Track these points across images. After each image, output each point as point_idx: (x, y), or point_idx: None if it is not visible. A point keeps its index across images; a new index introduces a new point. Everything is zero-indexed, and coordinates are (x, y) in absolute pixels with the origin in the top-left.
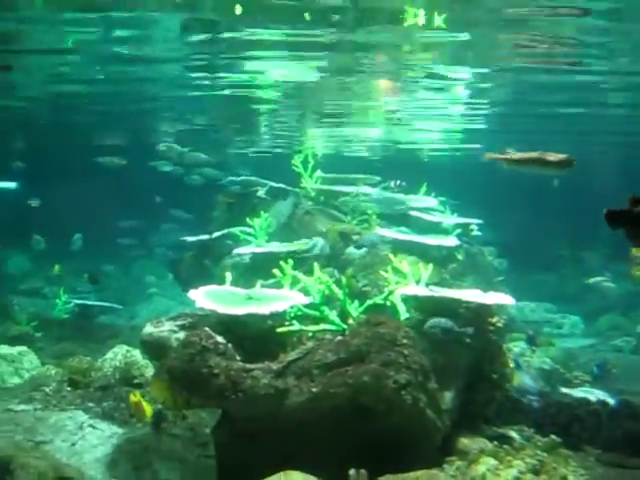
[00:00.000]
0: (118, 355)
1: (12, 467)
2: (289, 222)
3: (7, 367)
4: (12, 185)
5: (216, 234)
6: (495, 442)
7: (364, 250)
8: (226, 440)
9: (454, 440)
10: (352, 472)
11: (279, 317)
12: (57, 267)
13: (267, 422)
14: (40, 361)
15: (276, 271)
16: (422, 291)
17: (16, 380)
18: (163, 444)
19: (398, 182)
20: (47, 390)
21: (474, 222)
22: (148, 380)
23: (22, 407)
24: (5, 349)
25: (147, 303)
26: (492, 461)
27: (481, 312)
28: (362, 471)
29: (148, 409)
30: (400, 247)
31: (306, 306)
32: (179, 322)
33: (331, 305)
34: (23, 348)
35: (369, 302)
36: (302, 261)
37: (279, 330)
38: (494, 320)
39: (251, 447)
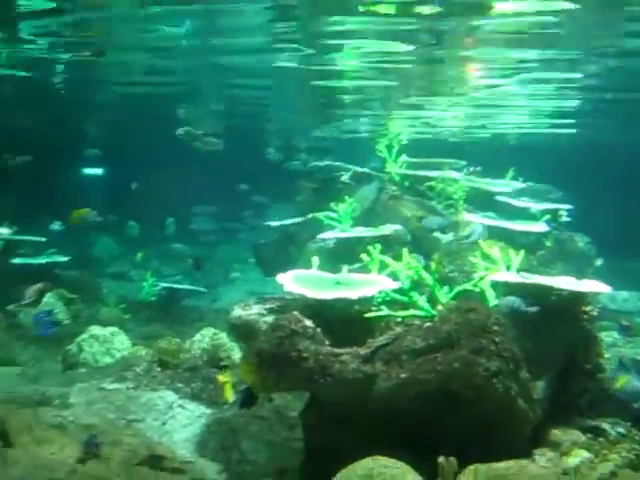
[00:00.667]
0: (206, 337)
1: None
2: (374, 207)
3: (99, 347)
4: (98, 171)
5: (300, 219)
6: (589, 434)
7: (451, 235)
8: (314, 423)
9: (545, 431)
10: (441, 459)
11: (367, 302)
12: (140, 254)
13: (355, 407)
14: (130, 342)
15: (364, 255)
16: (513, 277)
17: (108, 360)
18: (250, 426)
19: (472, 168)
20: (138, 370)
21: (564, 207)
22: (235, 362)
23: (114, 386)
24: (97, 330)
25: (229, 287)
26: (586, 454)
27: (574, 300)
28: (451, 459)
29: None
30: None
31: (395, 291)
32: (267, 305)
33: (420, 290)
34: (114, 329)
35: (459, 288)
36: (388, 246)
37: (367, 315)
38: (588, 309)
39: (339, 431)
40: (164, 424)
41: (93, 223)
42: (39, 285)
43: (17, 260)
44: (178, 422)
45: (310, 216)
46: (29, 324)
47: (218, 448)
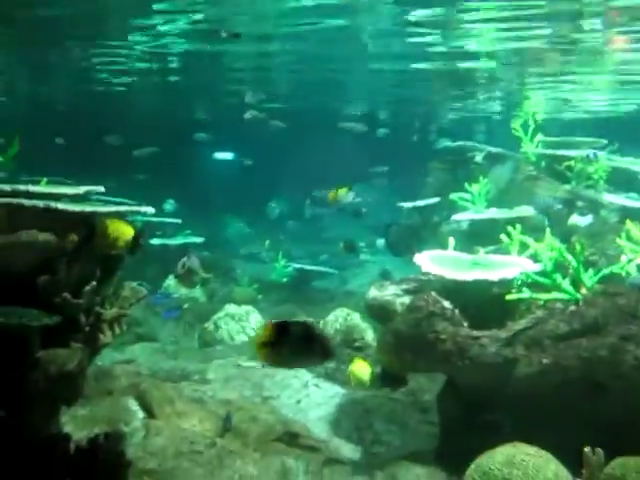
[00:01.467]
0: (339, 318)
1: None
2: (508, 188)
3: (235, 325)
4: (229, 156)
5: (433, 200)
6: None
7: (590, 218)
8: (451, 407)
9: None
10: (587, 450)
11: (507, 284)
12: (267, 242)
13: (494, 391)
14: (264, 321)
15: (503, 236)
16: None
17: (243, 338)
18: (384, 407)
19: (592, 153)
20: None
21: None
22: (368, 343)
23: (250, 363)
24: (233, 308)
25: (358, 269)
26: None
27: None
28: (598, 449)
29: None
30: (628, 214)
31: (536, 273)
32: (403, 286)
33: (562, 273)
34: (249, 307)
35: (604, 271)
36: (524, 230)
37: (508, 297)
38: None
39: (477, 416)
40: (299, 402)
41: (351, 205)
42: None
43: (155, 241)
44: (312, 401)
45: (442, 197)
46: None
47: (352, 428)
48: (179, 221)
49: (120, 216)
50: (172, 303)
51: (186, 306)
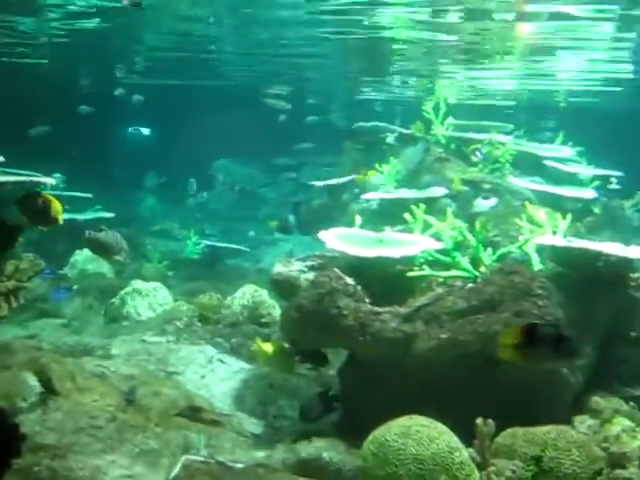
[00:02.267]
0: (247, 294)
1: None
2: (418, 169)
3: (142, 301)
4: (146, 131)
5: (344, 179)
6: (631, 403)
7: (493, 201)
8: (352, 381)
9: (586, 398)
10: (479, 421)
11: (409, 261)
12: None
13: (394, 366)
14: (172, 297)
15: (407, 215)
16: (559, 242)
17: (150, 314)
18: (288, 383)
19: (478, 153)
20: (178, 324)
21: (614, 174)
22: (275, 319)
23: (155, 339)
24: (140, 284)
25: (271, 248)
26: (627, 422)
27: (621, 266)
28: (489, 421)
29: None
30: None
31: (437, 251)
32: (308, 263)
33: (463, 252)
34: (157, 284)
35: (502, 250)
36: (431, 209)
37: (409, 274)
38: (635, 276)
39: (377, 390)
40: (203, 377)
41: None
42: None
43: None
44: (217, 376)
45: (353, 177)
46: (74, 278)
47: (256, 403)
48: (90, 196)
49: (21, 185)
50: (61, 279)
51: (76, 287)
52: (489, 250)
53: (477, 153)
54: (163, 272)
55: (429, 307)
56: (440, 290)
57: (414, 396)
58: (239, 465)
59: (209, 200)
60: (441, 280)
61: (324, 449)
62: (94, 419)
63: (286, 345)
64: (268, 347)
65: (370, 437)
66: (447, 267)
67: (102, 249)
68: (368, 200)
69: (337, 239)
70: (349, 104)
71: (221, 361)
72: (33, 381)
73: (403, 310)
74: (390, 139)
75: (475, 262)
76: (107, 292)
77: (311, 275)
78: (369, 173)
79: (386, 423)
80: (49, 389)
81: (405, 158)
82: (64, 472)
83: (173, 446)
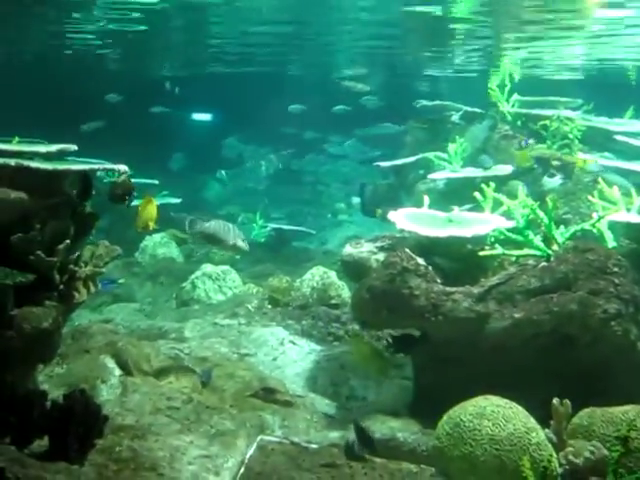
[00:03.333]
0: (315, 276)
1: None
2: (485, 147)
3: (212, 284)
4: (207, 117)
5: (410, 159)
6: None
7: (559, 179)
8: (425, 362)
9: None
10: (555, 401)
11: (480, 240)
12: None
13: (467, 346)
14: (241, 280)
15: (477, 194)
16: (634, 218)
17: (220, 297)
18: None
19: (524, 142)
20: (249, 307)
21: None
22: (344, 301)
23: (227, 322)
24: (209, 268)
25: (337, 230)
26: None
27: None
28: (566, 401)
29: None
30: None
31: (509, 230)
32: (378, 243)
33: (535, 230)
34: (226, 267)
35: (575, 228)
36: (499, 187)
37: (481, 254)
38: None
39: (450, 370)
40: (275, 359)
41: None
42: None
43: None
44: (288, 357)
45: (419, 156)
46: (145, 262)
47: (328, 384)
48: (156, 182)
49: (92, 173)
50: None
51: (122, 281)
52: (562, 228)
53: (522, 143)
54: (231, 256)
55: (502, 286)
56: (512, 269)
57: (488, 376)
58: (313, 445)
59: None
60: (513, 259)
61: (398, 429)
62: (171, 400)
63: (379, 347)
64: (364, 348)
65: (444, 417)
66: (519, 246)
67: (214, 239)
68: (434, 180)
69: (407, 219)
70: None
71: (292, 343)
72: (111, 364)
73: (475, 290)
74: (455, 117)
75: (547, 240)
76: (178, 276)
77: (381, 256)
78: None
79: (460, 403)
80: (127, 371)
81: (471, 136)
82: (144, 452)
83: (248, 427)
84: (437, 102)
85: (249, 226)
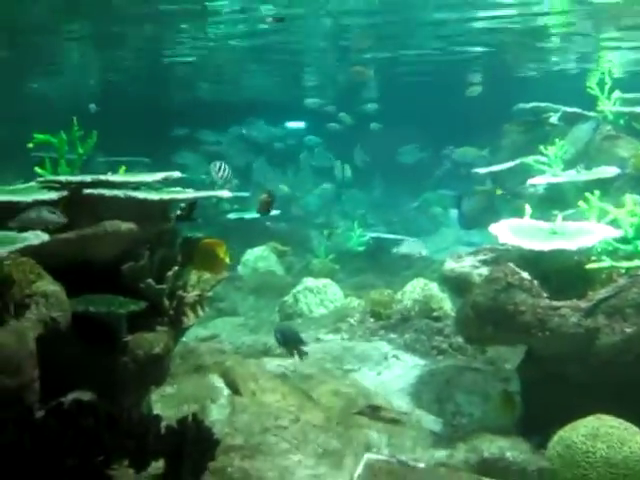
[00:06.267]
0: (416, 288)
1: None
2: (586, 149)
3: (314, 298)
4: (301, 125)
5: (508, 164)
6: None
7: None
8: (532, 378)
9: None
10: None
11: (587, 252)
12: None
13: (575, 362)
14: (342, 292)
15: (581, 203)
16: None
17: (322, 310)
18: (464, 377)
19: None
20: (351, 321)
21: None
22: (447, 313)
23: (330, 337)
24: (311, 281)
25: (435, 235)
26: None
27: None
28: None
29: None
30: None
31: (617, 240)
32: (480, 257)
33: None
34: (327, 280)
35: None
36: (605, 190)
37: (588, 266)
38: None
39: (558, 386)
40: (379, 374)
41: None
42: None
43: (231, 215)
44: (393, 373)
45: (518, 161)
46: (246, 276)
47: (432, 399)
48: (247, 194)
49: (197, 200)
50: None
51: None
52: None
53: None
54: (330, 267)
55: (611, 300)
56: (622, 281)
57: (598, 394)
58: (421, 464)
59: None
60: (622, 271)
61: (507, 448)
62: (279, 419)
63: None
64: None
65: (555, 438)
66: (628, 257)
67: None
68: (534, 185)
69: (509, 232)
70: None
71: (396, 357)
72: (220, 383)
73: (583, 304)
74: (554, 119)
75: None
76: (279, 289)
77: (484, 270)
78: None
79: (572, 423)
80: (234, 391)
81: (573, 138)
82: (254, 472)
83: (355, 445)
84: (534, 104)
85: (347, 235)
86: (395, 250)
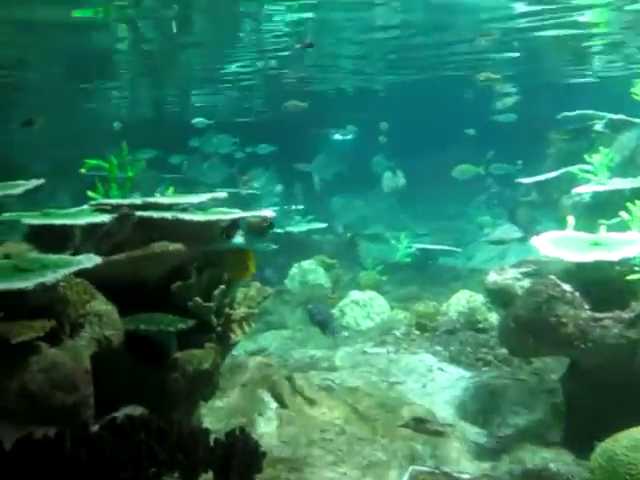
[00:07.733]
0: (461, 300)
1: None
2: (633, 156)
3: (360, 311)
4: (348, 135)
5: (552, 174)
6: None
7: None
8: (575, 389)
9: None
10: None
11: (629, 263)
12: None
13: (619, 373)
14: (388, 305)
15: (623, 214)
16: None
17: (368, 323)
18: (509, 389)
19: None
20: (397, 334)
21: None
22: (492, 325)
23: (376, 350)
24: (357, 294)
25: (483, 245)
26: None
27: None
28: None
29: None
30: None
31: None
32: (523, 269)
33: None
34: (373, 293)
35: None
36: None
37: (629, 277)
38: None
39: (602, 397)
40: (424, 386)
41: None
42: None
43: (280, 229)
44: (438, 385)
45: (563, 170)
46: (294, 289)
47: (477, 411)
48: (301, 207)
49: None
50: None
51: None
52: None
53: None
54: (377, 279)
55: None
56: None
57: None
58: (465, 476)
59: None
60: None
61: (551, 459)
62: (325, 432)
63: None
64: None
65: (598, 449)
66: None
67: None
68: (580, 194)
69: (550, 244)
70: None
71: (441, 369)
72: (267, 397)
73: (626, 315)
74: (599, 126)
75: None
76: (326, 302)
77: (526, 282)
78: None
79: (614, 435)
80: (281, 404)
81: (619, 145)
82: None
83: (400, 457)
84: (579, 112)
85: (394, 246)
86: (487, 236)
